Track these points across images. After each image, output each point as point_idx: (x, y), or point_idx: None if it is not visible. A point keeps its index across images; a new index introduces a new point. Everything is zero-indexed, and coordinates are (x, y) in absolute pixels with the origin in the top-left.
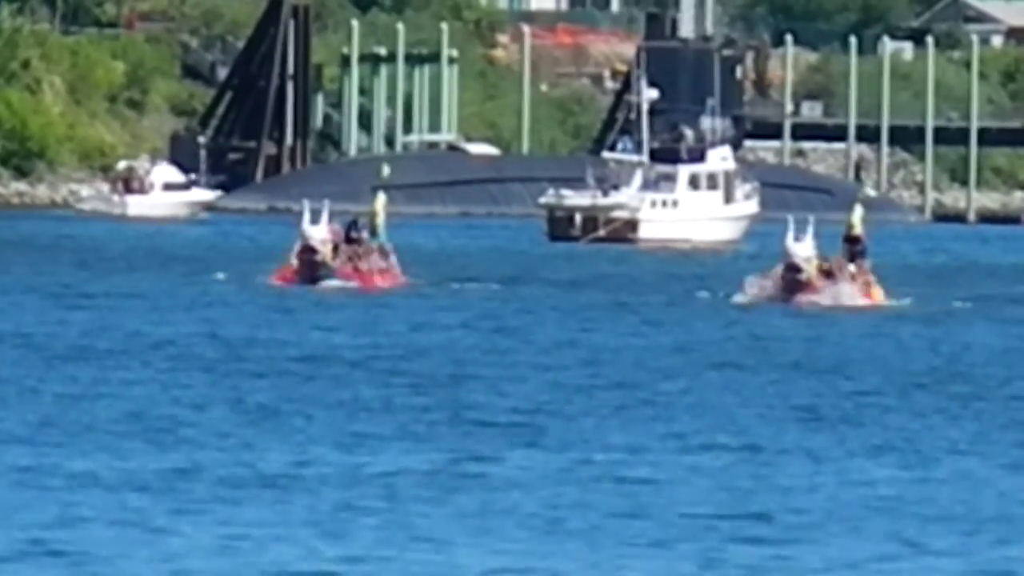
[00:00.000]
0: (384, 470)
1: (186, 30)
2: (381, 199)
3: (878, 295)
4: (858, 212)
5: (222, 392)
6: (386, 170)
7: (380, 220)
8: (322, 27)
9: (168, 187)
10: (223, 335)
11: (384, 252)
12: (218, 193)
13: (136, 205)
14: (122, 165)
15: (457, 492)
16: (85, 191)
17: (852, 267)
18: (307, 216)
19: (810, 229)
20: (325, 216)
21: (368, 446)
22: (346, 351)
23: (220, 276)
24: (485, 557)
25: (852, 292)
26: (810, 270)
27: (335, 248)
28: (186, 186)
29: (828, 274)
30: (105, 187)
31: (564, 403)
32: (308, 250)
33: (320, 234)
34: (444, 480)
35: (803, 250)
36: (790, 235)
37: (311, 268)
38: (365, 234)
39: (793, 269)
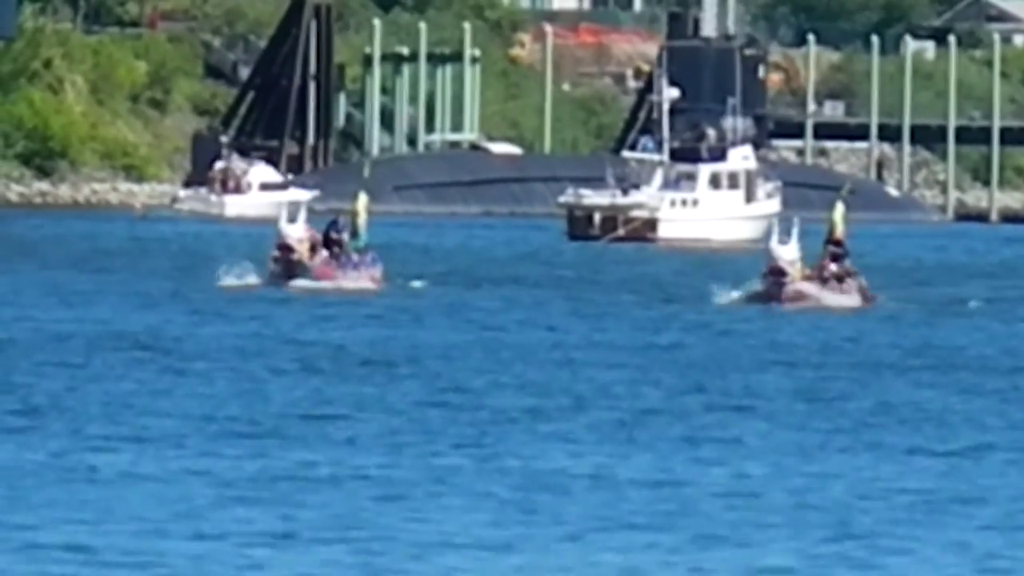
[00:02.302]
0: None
1: (208, 30)
2: (363, 199)
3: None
4: (839, 210)
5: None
6: (366, 171)
7: (362, 220)
8: (344, 27)
9: (265, 187)
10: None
11: (365, 253)
12: (315, 193)
13: (234, 205)
14: (219, 165)
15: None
16: (182, 192)
17: (835, 267)
18: (284, 215)
19: (795, 231)
20: (302, 215)
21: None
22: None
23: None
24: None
25: (841, 294)
26: (795, 273)
27: (312, 248)
28: (283, 186)
29: (811, 280)
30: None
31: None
32: (285, 249)
33: (297, 233)
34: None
35: (788, 253)
36: (775, 237)
37: (287, 267)
38: (346, 235)
39: (777, 272)
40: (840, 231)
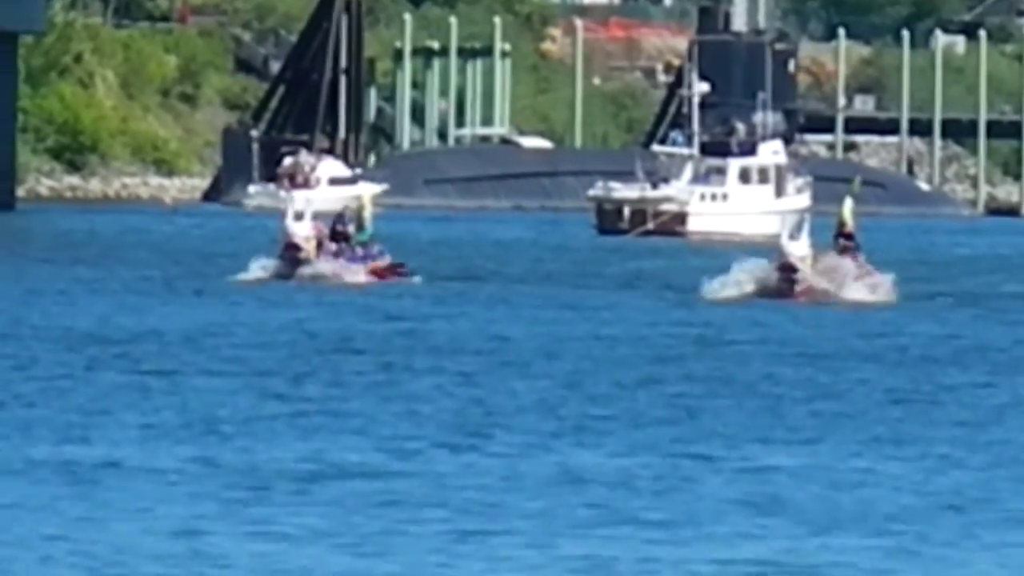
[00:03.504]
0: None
1: (239, 24)
2: (368, 192)
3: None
4: (848, 206)
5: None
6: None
7: (367, 214)
8: (375, 21)
9: (334, 181)
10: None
11: (371, 247)
12: (384, 186)
13: (301, 200)
14: (288, 161)
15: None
16: (251, 188)
17: (847, 261)
18: (291, 212)
19: (806, 227)
20: (309, 213)
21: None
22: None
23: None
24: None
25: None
26: (805, 269)
27: (319, 245)
28: (352, 180)
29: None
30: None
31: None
32: (292, 247)
33: (304, 231)
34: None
35: (798, 248)
36: (785, 233)
37: (293, 266)
38: (352, 228)
39: (788, 268)
40: (851, 227)
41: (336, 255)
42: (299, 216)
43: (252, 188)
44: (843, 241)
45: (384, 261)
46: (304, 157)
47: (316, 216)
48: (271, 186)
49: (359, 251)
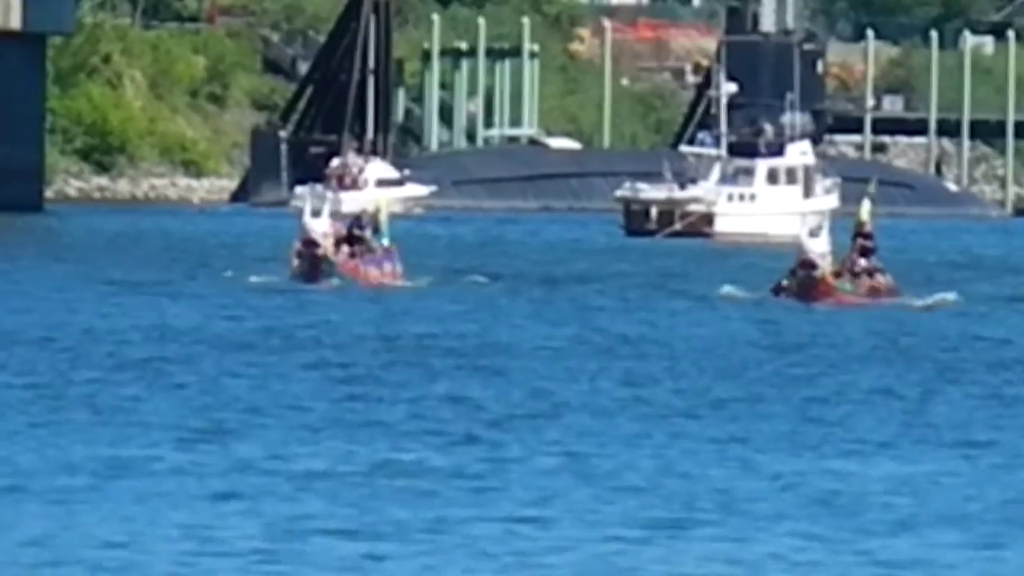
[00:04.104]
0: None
1: (267, 25)
2: (384, 196)
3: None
4: (866, 207)
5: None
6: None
7: (383, 218)
8: (403, 21)
9: (381, 183)
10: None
11: (387, 251)
12: (432, 188)
13: (350, 201)
14: (336, 162)
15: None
16: (298, 188)
17: (864, 262)
18: (308, 209)
19: (826, 224)
20: (326, 210)
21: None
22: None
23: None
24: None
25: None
26: (824, 267)
27: (337, 243)
28: (399, 182)
29: (839, 275)
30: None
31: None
32: (310, 244)
33: (322, 227)
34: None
35: (818, 246)
36: (804, 230)
37: (312, 263)
38: (368, 232)
39: (808, 265)
40: (869, 227)
41: (351, 257)
42: (316, 213)
43: (299, 189)
44: (861, 241)
45: (398, 266)
46: (352, 159)
47: (334, 216)
48: (318, 186)
49: (378, 254)
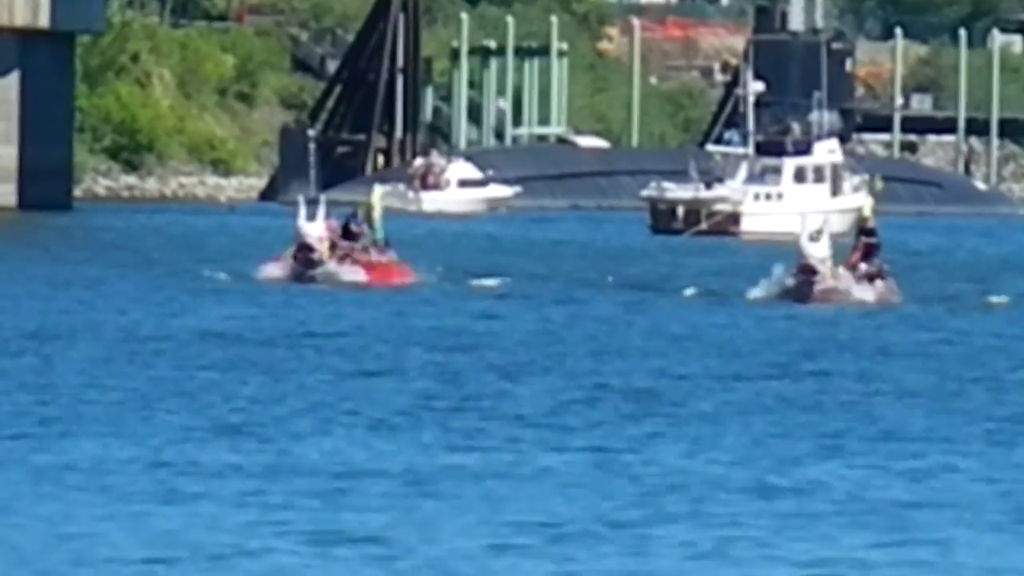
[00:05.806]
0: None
1: (296, 23)
2: (378, 192)
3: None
4: (868, 203)
5: None
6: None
7: (377, 214)
8: (431, 20)
9: (464, 183)
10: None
11: (382, 247)
12: (517, 189)
13: (432, 201)
14: (419, 162)
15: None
16: (378, 187)
17: (864, 266)
18: (303, 213)
19: (826, 229)
20: (321, 212)
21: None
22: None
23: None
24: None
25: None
26: (825, 271)
27: (332, 246)
28: (482, 182)
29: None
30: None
31: None
32: (305, 248)
33: (317, 231)
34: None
35: (819, 250)
36: (805, 235)
37: (307, 267)
38: (365, 227)
39: (808, 270)
40: (871, 223)
41: (343, 260)
42: (311, 217)
43: (379, 188)
44: (864, 239)
45: (395, 262)
46: (435, 158)
47: (329, 215)
48: (400, 186)
49: (373, 252)
